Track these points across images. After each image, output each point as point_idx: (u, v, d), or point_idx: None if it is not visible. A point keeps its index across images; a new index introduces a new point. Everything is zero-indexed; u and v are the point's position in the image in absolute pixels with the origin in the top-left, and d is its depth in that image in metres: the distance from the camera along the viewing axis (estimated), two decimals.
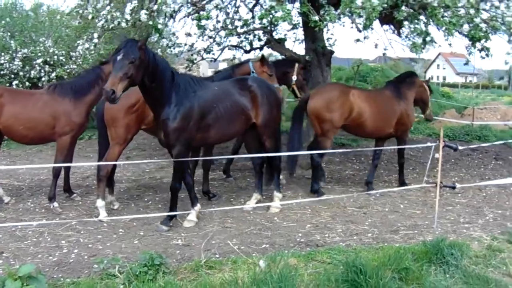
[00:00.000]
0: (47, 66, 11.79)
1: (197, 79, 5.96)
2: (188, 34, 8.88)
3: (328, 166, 9.13)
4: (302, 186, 7.68)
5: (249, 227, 5.70)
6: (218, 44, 9.45)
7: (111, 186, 6.45)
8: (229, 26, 8.47)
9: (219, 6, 7.03)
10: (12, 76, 11.77)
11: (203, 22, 7.16)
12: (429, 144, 6.04)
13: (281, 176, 6.89)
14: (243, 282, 3.83)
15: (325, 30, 8.98)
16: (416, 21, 7.02)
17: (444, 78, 64.77)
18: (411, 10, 6.77)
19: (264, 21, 7.57)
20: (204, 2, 7.04)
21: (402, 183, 7.59)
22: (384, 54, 9.03)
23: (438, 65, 71.58)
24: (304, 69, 8.17)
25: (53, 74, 11.50)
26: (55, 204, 6.30)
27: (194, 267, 4.24)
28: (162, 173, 8.59)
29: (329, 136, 7.08)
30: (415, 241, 5.14)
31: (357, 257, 4.05)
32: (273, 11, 6.38)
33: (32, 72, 11.70)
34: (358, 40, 7.21)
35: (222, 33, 8.72)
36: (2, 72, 11.77)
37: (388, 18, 7.11)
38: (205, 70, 31.32)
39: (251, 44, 9.46)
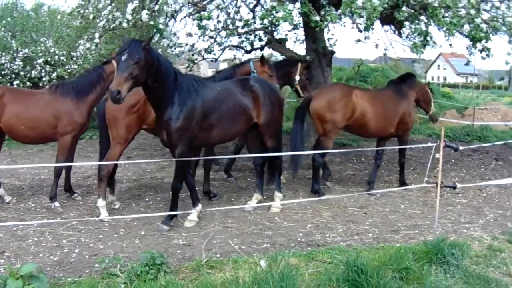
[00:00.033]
0: (48, 66, 11.81)
1: (200, 79, 5.98)
2: (189, 34, 8.88)
3: (328, 166, 9.12)
4: (302, 186, 7.69)
5: (250, 227, 5.71)
6: (219, 44, 9.45)
7: (112, 186, 6.46)
8: (230, 26, 8.48)
9: (220, 6, 7.02)
10: (13, 76, 11.80)
11: (204, 22, 7.18)
12: (429, 144, 6.03)
13: (281, 176, 6.90)
14: (244, 281, 3.83)
15: (325, 30, 9.01)
16: (416, 21, 7.03)
17: (445, 79, 64.68)
18: (412, 11, 6.78)
19: (265, 21, 7.57)
20: (205, 2, 7.05)
21: (402, 183, 7.59)
22: (384, 54, 9.06)
23: (438, 66, 71.44)
24: (307, 69, 8.18)
25: (54, 74, 11.50)
26: (56, 203, 6.31)
27: (195, 267, 4.24)
28: (163, 173, 8.60)
29: (331, 137, 7.07)
30: (416, 241, 5.14)
31: (358, 257, 4.06)
32: (274, 11, 6.39)
33: (33, 72, 11.72)
34: (358, 40, 7.23)
35: (223, 33, 8.71)
36: (3, 72, 11.80)
37: (389, 18, 7.10)
38: (205, 70, 31.32)
39: (252, 44, 9.46)
